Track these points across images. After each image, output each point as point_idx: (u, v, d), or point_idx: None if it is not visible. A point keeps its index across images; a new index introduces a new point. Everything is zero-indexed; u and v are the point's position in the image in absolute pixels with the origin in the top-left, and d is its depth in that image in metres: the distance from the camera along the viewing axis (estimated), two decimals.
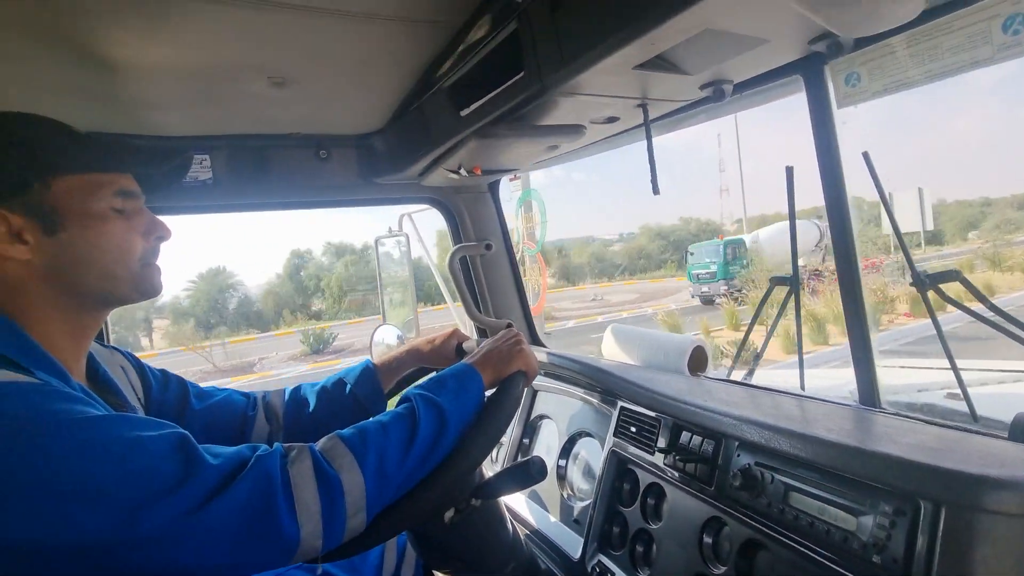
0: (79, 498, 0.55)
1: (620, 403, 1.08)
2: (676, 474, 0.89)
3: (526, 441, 1.43)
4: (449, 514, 0.91)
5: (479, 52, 0.94)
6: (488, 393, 0.89)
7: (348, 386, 1.09)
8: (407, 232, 2.16)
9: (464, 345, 1.22)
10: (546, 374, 1.44)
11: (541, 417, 1.42)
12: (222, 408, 1.03)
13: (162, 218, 0.79)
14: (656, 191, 1.07)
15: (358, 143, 1.48)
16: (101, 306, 0.77)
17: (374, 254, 2.25)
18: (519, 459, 1.43)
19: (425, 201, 1.68)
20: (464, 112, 1.07)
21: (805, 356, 1.13)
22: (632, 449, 1.01)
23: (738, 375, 1.22)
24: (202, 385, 1.06)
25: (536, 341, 1.69)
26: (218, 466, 0.62)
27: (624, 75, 0.80)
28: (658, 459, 0.93)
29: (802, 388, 1.03)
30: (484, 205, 1.68)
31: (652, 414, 0.99)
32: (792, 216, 0.97)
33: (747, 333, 1.15)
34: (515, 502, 1.29)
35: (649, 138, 1.02)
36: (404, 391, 0.89)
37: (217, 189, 1.34)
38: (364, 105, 1.27)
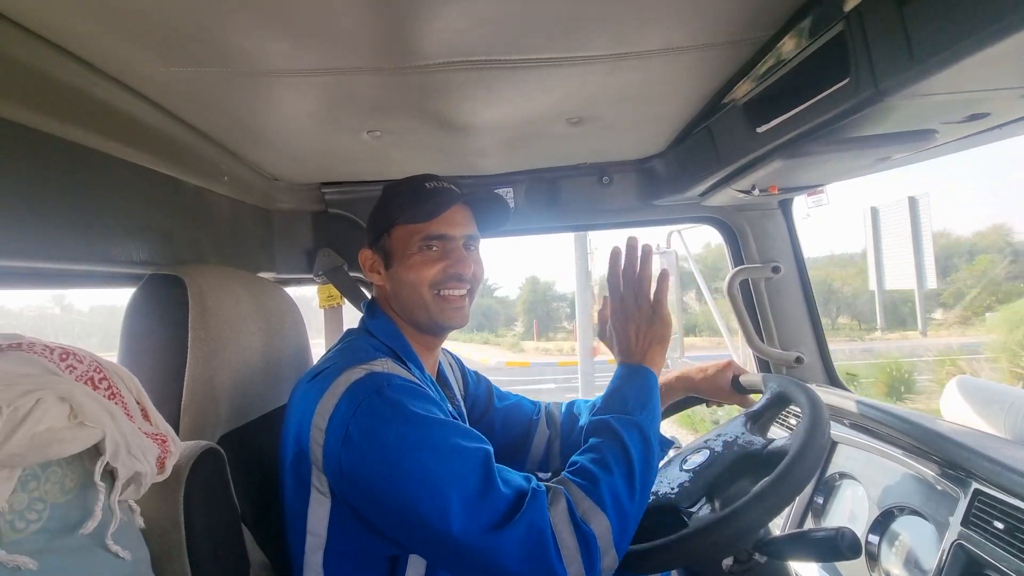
0: (417, 483, 0.70)
1: (975, 485, 0.82)
2: None
3: (819, 501, 1.22)
4: (727, 562, 0.84)
5: (787, 65, 0.85)
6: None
7: None
8: (675, 250, 2.12)
9: (742, 379, 1.12)
10: (852, 425, 1.20)
11: (842, 476, 1.19)
12: (515, 410, 1.20)
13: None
14: None
15: (639, 167, 1.52)
16: (427, 328, 0.95)
17: None
18: (807, 520, 1.23)
19: (704, 221, 1.61)
20: (761, 129, 0.98)
21: None
22: (996, 551, 0.76)
23: None
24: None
25: (836, 383, 1.43)
26: (507, 495, 0.71)
27: (1011, 62, 0.61)
28: None
29: None
30: (773, 223, 1.52)
31: None
32: None
33: None
34: (806, 568, 1.11)
35: None
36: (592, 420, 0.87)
37: (517, 215, 1.56)
38: (647, 131, 1.29)
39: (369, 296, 1.54)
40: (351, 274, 1.56)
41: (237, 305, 0.99)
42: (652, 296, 0.91)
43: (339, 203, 1.56)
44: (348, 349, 0.88)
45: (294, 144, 1.23)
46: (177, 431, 0.82)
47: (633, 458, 0.77)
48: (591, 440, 0.83)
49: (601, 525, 0.72)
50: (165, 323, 0.86)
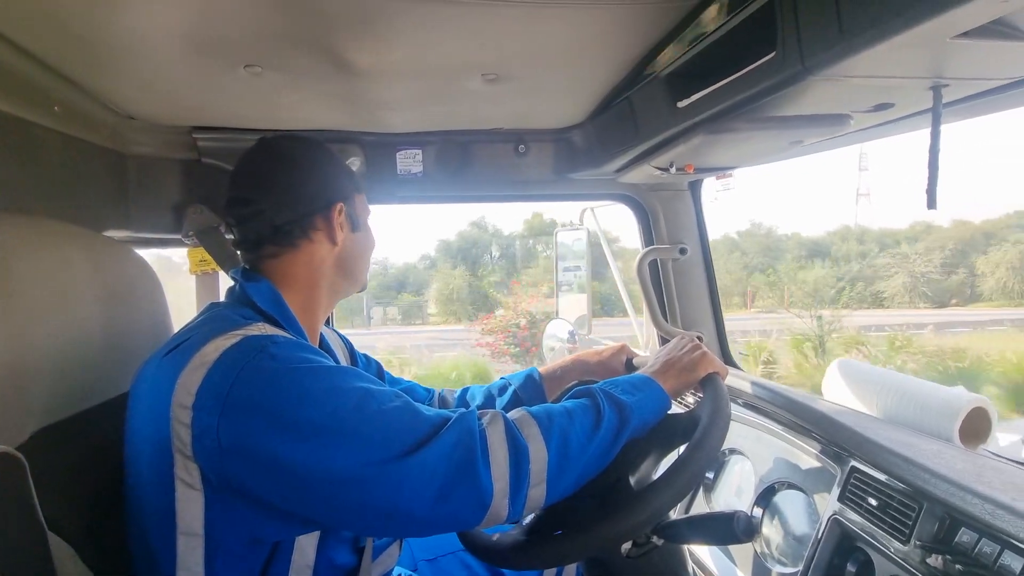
0: (329, 433, 0.63)
1: (852, 463, 0.87)
2: None
3: (709, 476, 1.26)
4: (626, 546, 0.83)
5: (713, 34, 0.81)
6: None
7: (512, 388, 1.11)
8: (587, 227, 2.11)
9: (635, 361, 1.13)
10: (744, 404, 1.25)
11: (732, 452, 1.24)
12: (407, 395, 1.12)
13: (378, 207, 0.92)
14: (932, 204, 0.83)
15: (556, 137, 1.45)
16: (343, 293, 0.92)
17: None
18: (699, 495, 1.28)
19: (616, 198, 1.59)
20: (682, 103, 0.95)
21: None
22: (866, 525, 0.80)
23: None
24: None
25: (731, 362, 1.49)
26: (431, 416, 0.69)
27: (929, 48, 0.60)
28: (913, 552, 0.72)
29: None
30: (682, 204, 1.53)
31: (903, 489, 0.77)
32: None
33: None
34: (697, 546, 1.15)
35: (936, 130, 0.78)
36: (580, 387, 0.84)
37: (426, 182, 1.44)
38: (567, 99, 1.22)
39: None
40: (228, 236, 1.35)
41: (64, 267, 0.79)
42: (699, 365, 0.90)
43: (215, 152, 1.34)
44: (212, 319, 0.74)
45: (152, 72, 1.01)
46: None
47: (602, 424, 0.74)
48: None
49: (539, 452, 0.69)
50: None
